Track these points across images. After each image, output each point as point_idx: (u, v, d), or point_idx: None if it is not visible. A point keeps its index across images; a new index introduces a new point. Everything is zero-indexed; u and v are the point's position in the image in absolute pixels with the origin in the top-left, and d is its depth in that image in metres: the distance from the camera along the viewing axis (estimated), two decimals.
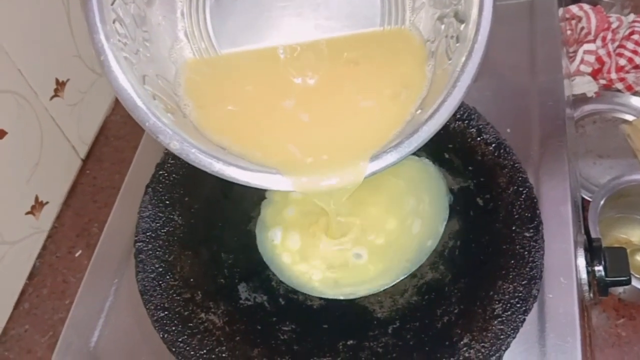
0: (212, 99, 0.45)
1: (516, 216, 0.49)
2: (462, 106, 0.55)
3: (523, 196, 0.50)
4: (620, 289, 0.63)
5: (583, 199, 0.67)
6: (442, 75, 0.41)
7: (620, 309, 0.64)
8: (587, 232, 0.61)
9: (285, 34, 0.46)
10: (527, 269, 0.46)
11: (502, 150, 0.52)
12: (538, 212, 0.49)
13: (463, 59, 0.39)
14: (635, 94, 0.78)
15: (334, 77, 0.45)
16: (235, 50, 0.46)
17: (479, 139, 0.54)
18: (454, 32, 0.41)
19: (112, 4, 0.39)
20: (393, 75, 0.45)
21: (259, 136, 0.44)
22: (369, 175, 0.41)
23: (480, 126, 0.54)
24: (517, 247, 0.47)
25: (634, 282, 0.60)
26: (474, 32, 0.39)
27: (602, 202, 0.64)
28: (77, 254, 0.72)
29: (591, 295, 0.52)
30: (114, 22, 0.39)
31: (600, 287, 0.51)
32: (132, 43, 0.41)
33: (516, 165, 0.51)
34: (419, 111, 0.42)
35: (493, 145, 0.53)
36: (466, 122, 0.54)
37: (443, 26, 0.43)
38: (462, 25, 0.40)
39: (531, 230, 0.48)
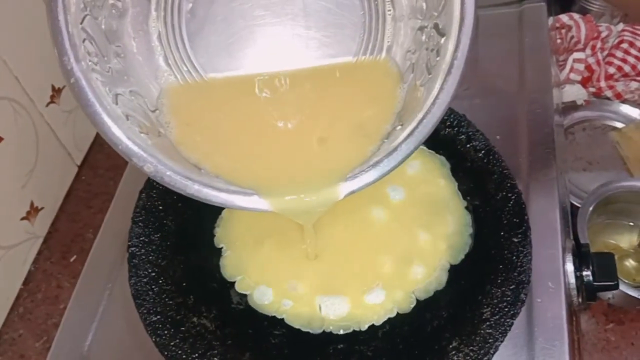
0: (196, 119, 0.45)
1: (505, 222, 0.50)
2: (452, 113, 0.56)
3: (511, 202, 0.50)
4: (609, 294, 0.63)
5: (572, 205, 0.67)
6: (421, 90, 0.41)
7: (610, 314, 0.65)
8: (576, 238, 0.62)
9: (264, 45, 0.46)
10: (515, 274, 0.47)
11: (491, 157, 0.53)
12: (526, 217, 0.49)
13: (443, 75, 0.39)
14: (624, 102, 0.78)
15: (311, 110, 0.46)
16: (218, 75, 0.46)
17: (468, 145, 0.55)
18: (435, 45, 0.41)
19: (82, 23, 0.38)
20: (367, 106, 0.45)
21: (237, 156, 0.44)
22: (348, 194, 0.40)
23: (470, 133, 0.55)
24: (506, 252, 0.48)
25: (623, 288, 0.60)
26: (454, 47, 0.39)
27: (591, 209, 0.64)
28: (71, 259, 0.72)
29: (579, 300, 0.52)
30: (83, 41, 0.38)
31: (588, 292, 0.52)
32: (103, 60, 0.40)
33: (505, 171, 0.52)
34: (399, 127, 0.42)
35: (482, 151, 0.54)
36: (456, 129, 0.55)
37: (424, 37, 0.43)
38: (443, 39, 0.40)
39: (519, 236, 0.49)
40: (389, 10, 0.45)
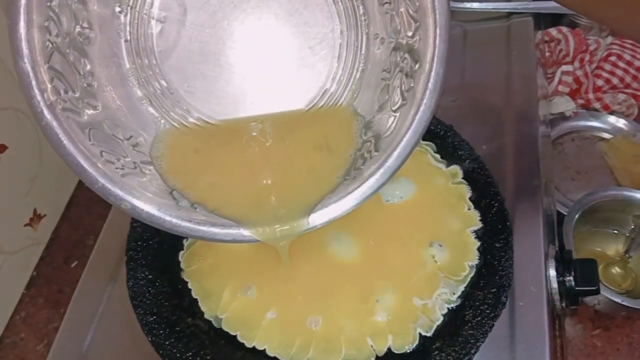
0: (187, 155, 0.45)
1: (488, 227, 0.52)
2: (439, 124, 0.58)
3: (494, 209, 0.52)
4: (595, 300, 0.65)
5: (560, 213, 0.69)
6: (395, 117, 0.41)
7: (596, 320, 0.66)
8: (562, 245, 0.63)
9: (239, 87, 0.45)
10: (497, 278, 0.48)
11: (475, 166, 0.55)
12: (508, 223, 0.51)
13: (417, 104, 0.39)
14: (612, 113, 0.80)
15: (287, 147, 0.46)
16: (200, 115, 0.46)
17: (454, 154, 0.57)
18: (410, 71, 0.40)
19: (49, 61, 0.37)
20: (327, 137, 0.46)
21: (222, 185, 0.45)
22: (325, 223, 0.41)
23: (456, 143, 0.57)
24: (488, 256, 0.50)
25: (609, 295, 0.62)
26: (427, 75, 0.38)
27: (576, 217, 0.66)
28: (72, 265, 0.74)
29: (563, 305, 0.54)
30: (52, 80, 0.37)
31: (570, 296, 0.53)
32: (74, 98, 0.39)
33: (488, 180, 0.54)
34: (376, 153, 0.42)
35: (467, 161, 0.56)
36: (443, 138, 0.57)
37: (399, 58, 0.42)
38: (417, 65, 0.39)
39: (501, 241, 0.50)
40: (365, 29, 0.45)
